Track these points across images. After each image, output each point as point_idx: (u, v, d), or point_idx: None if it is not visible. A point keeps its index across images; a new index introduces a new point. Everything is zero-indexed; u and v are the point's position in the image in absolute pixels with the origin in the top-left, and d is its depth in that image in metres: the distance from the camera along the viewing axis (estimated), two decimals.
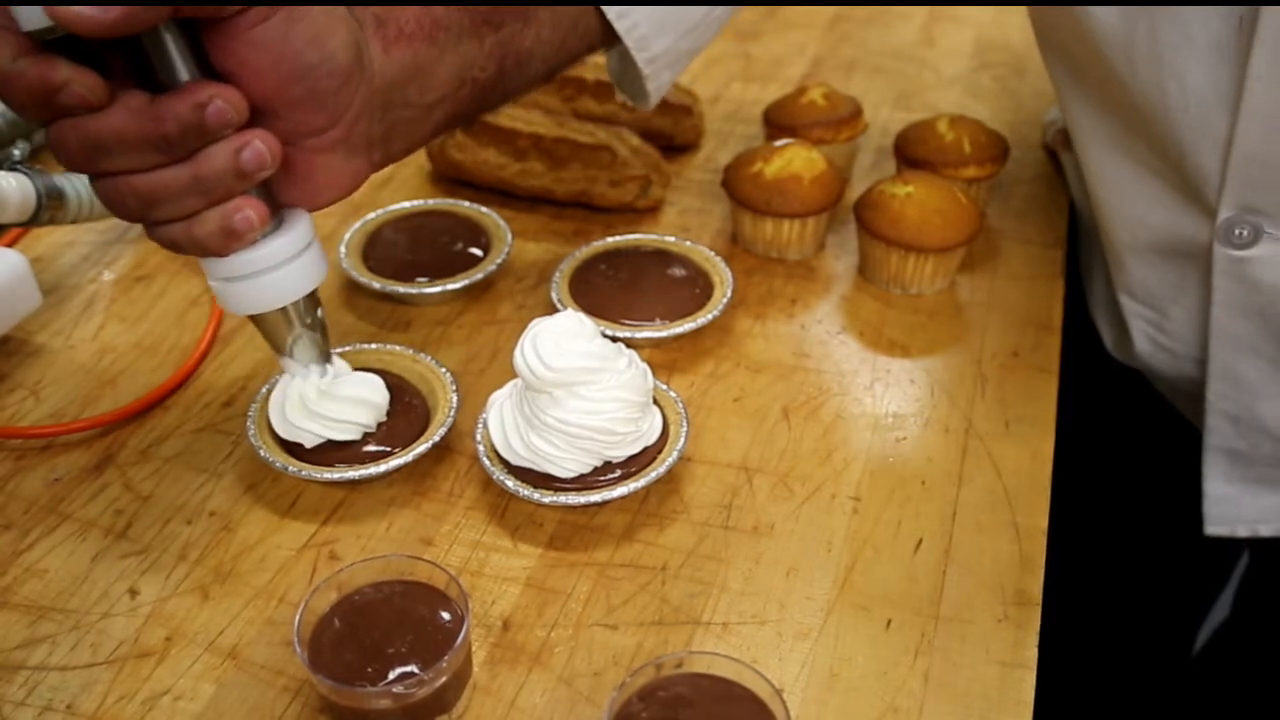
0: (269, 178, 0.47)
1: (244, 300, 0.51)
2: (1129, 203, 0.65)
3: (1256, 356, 0.64)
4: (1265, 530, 0.71)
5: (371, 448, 0.59)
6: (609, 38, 0.63)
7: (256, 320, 0.53)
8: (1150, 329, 0.71)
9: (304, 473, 0.57)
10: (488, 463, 0.58)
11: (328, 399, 0.57)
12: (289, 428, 0.58)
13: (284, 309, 0.52)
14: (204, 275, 0.51)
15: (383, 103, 0.51)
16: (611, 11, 0.61)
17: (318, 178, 0.50)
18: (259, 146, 0.45)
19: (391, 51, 0.51)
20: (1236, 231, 0.60)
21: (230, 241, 0.47)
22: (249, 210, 0.47)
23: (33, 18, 0.41)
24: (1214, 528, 0.71)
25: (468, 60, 0.55)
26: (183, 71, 0.44)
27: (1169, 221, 0.64)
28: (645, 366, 0.58)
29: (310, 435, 0.58)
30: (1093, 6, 0.57)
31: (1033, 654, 0.51)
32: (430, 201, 0.78)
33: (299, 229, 0.50)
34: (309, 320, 0.54)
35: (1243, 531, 0.71)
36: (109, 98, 0.43)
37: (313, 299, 0.53)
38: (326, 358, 0.56)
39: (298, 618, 0.47)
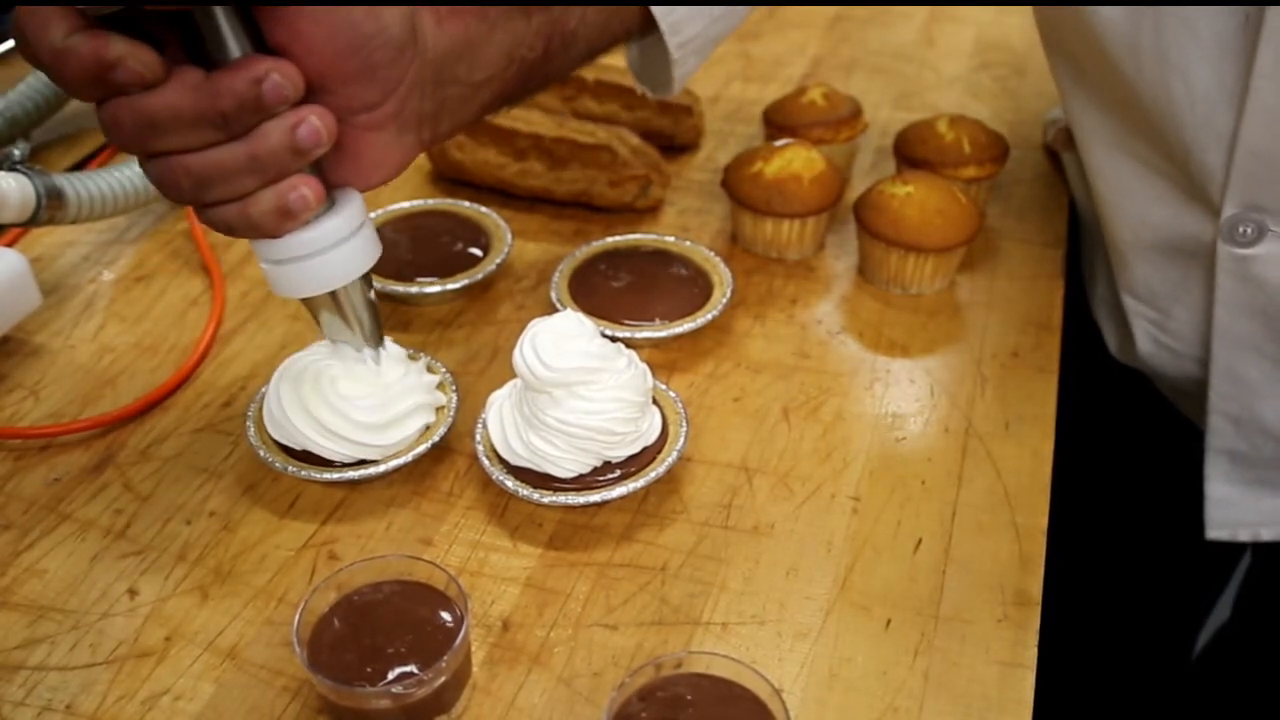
0: (321, 157, 0.47)
1: (296, 283, 0.50)
2: (1132, 201, 0.65)
3: (1259, 356, 0.64)
4: (1267, 534, 0.70)
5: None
6: (645, 24, 0.63)
7: (309, 304, 0.53)
8: (1153, 329, 0.70)
9: (303, 473, 0.57)
10: (487, 463, 0.58)
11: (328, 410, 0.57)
12: (280, 429, 0.58)
13: (335, 292, 0.52)
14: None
15: (434, 79, 0.51)
16: None
17: (369, 156, 0.49)
18: (314, 123, 0.45)
19: (444, 25, 0.51)
20: (1240, 229, 0.60)
21: (285, 221, 0.47)
22: (304, 188, 0.46)
23: None
24: (1215, 531, 0.71)
25: (517, 38, 0.55)
26: (236, 47, 0.44)
27: (1172, 220, 0.63)
28: (645, 366, 0.58)
29: (301, 438, 0.58)
30: (1098, 5, 0.57)
31: (1032, 654, 0.51)
32: (430, 201, 0.78)
33: (351, 209, 0.50)
34: (362, 303, 0.53)
35: (1244, 535, 0.71)
36: (164, 74, 0.43)
37: (366, 282, 0.53)
38: (379, 342, 0.56)
39: (297, 618, 0.47)
